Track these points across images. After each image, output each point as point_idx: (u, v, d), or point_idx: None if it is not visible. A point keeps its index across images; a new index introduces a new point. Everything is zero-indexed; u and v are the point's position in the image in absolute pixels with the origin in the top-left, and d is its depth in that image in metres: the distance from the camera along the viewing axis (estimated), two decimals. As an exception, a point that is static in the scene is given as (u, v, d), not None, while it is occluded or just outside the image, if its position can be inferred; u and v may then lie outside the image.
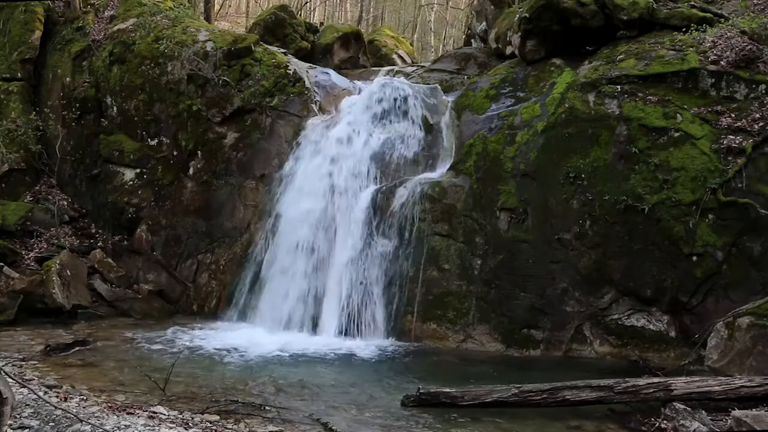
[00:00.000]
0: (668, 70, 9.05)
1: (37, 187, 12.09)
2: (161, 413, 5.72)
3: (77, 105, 12.27)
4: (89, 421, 5.13)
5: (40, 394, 5.61)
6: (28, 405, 5.34)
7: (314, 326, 9.53)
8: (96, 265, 10.86)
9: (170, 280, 11.05)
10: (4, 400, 3.80)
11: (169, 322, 10.02)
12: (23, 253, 10.60)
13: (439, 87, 11.51)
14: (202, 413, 5.99)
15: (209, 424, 5.64)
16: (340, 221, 9.99)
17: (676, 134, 8.72)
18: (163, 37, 11.93)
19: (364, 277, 9.57)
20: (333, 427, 5.83)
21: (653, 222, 8.57)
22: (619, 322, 8.74)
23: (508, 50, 11.53)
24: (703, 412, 6.08)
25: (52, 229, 11.28)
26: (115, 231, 11.66)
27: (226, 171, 11.14)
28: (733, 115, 8.69)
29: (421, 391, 6.54)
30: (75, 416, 5.13)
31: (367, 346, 8.94)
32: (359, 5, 29.77)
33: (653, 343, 8.56)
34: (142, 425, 5.22)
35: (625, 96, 9.11)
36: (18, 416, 5.03)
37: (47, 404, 5.33)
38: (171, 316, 10.44)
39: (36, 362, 7.48)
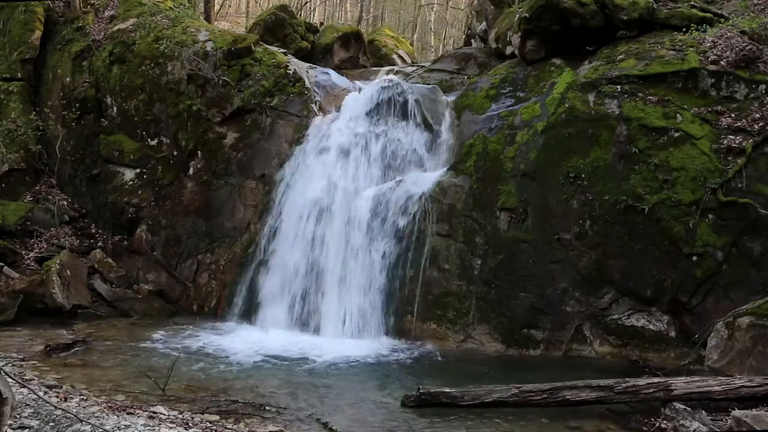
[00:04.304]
0: (668, 70, 9.05)
1: (37, 187, 12.07)
2: (161, 413, 5.73)
3: (77, 105, 12.26)
4: (89, 421, 5.14)
5: (40, 394, 5.61)
6: (28, 405, 5.34)
7: (314, 326, 9.53)
8: (96, 265, 10.85)
9: (170, 280, 11.05)
10: (4, 400, 3.80)
11: (169, 322, 10.03)
12: (23, 253, 10.59)
13: (438, 87, 11.50)
14: (202, 413, 6.00)
15: (209, 424, 5.64)
16: (341, 221, 9.99)
17: (676, 134, 8.72)
18: (163, 37, 11.92)
19: (365, 277, 9.58)
20: (333, 427, 5.84)
21: (653, 222, 8.57)
22: (619, 322, 8.74)
23: (508, 50, 11.53)
24: (703, 412, 6.08)
25: (52, 229, 11.27)
26: (115, 231, 11.66)
27: (226, 171, 11.13)
28: (733, 115, 8.68)
29: (421, 391, 6.54)
30: (75, 416, 5.14)
31: (367, 346, 8.93)
32: (359, 5, 29.76)
33: (653, 343, 8.56)
34: (142, 425, 5.22)
35: (625, 96, 9.11)
36: (18, 416, 5.03)
37: (47, 404, 5.32)
38: (171, 316, 10.44)
39: (36, 362, 7.47)
